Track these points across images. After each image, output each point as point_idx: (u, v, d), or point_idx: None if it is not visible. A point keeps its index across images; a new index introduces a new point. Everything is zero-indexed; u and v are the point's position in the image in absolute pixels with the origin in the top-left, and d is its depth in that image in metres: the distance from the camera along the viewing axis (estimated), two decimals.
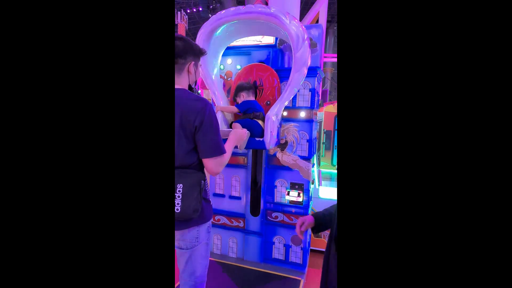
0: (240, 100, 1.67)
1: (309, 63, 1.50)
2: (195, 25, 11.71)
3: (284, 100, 1.56)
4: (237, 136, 1.23)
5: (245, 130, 1.37)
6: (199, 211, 0.97)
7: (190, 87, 1.06)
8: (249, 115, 1.59)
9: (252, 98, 1.67)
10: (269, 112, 1.54)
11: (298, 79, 1.49)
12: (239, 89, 1.68)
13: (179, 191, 0.95)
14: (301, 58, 1.45)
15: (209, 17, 1.60)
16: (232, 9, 1.50)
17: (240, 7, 1.49)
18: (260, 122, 1.59)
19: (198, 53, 1.03)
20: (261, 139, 1.55)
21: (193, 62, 1.02)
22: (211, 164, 0.99)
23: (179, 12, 8.03)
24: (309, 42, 1.50)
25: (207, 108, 0.96)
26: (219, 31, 1.59)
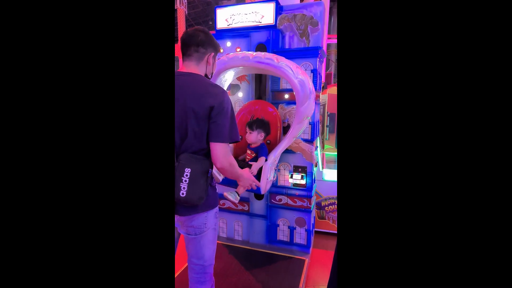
0: (255, 136, 1.58)
1: (311, 114, 1.54)
2: (194, 9, 11.43)
3: (283, 148, 1.59)
4: (248, 179, 1.19)
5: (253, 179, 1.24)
6: (204, 198, 0.98)
7: (206, 77, 1.07)
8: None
9: (262, 138, 1.61)
10: (267, 160, 1.55)
11: (299, 129, 1.54)
12: (259, 125, 1.59)
13: (187, 175, 0.94)
14: (304, 111, 1.49)
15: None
16: (240, 56, 1.50)
17: (249, 55, 1.48)
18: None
19: (217, 46, 1.07)
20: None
21: (212, 54, 1.05)
22: (216, 150, 0.96)
23: None
24: (314, 96, 1.51)
25: (224, 94, 0.98)
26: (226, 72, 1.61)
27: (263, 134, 1.60)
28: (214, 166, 1.01)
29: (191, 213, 1.01)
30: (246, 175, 1.16)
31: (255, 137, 1.58)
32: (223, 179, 1.60)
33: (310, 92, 1.47)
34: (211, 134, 0.97)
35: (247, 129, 1.61)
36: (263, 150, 1.58)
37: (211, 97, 0.95)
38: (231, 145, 1.70)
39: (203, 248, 1.07)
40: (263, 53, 1.50)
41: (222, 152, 0.97)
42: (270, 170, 1.56)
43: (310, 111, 1.51)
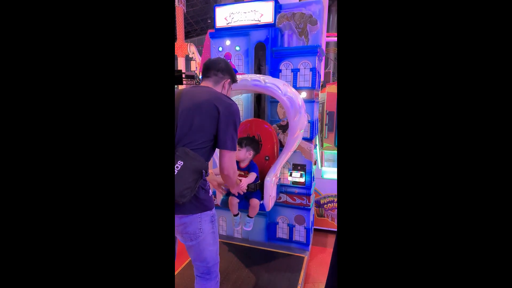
0: (244, 153, 1.57)
1: (304, 127, 1.59)
2: (193, 7, 11.38)
3: (282, 163, 1.63)
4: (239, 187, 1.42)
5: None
6: (186, 198, 0.95)
7: None
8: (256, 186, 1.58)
9: (251, 156, 1.62)
10: (267, 176, 1.57)
11: (294, 142, 1.59)
12: (249, 142, 1.59)
13: (177, 167, 0.93)
14: (297, 125, 1.53)
15: None
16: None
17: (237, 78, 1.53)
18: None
19: (234, 76, 1.19)
20: (261, 202, 1.59)
21: (229, 80, 1.15)
22: (225, 158, 1.03)
23: None
24: (304, 110, 1.55)
25: (235, 107, 1.05)
26: None
27: (252, 152, 1.59)
28: (221, 173, 1.08)
29: (177, 213, 0.99)
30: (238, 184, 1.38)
31: (243, 154, 1.57)
32: (221, 200, 1.64)
33: (299, 107, 1.50)
34: (221, 142, 1.02)
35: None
36: (254, 168, 1.58)
37: (223, 105, 1.01)
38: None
39: (204, 252, 1.06)
40: (249, 75, 1.55)
41: (230, 160, 1.04)
42: (272, 187, 1.58)
43: (303, 124, 1.55)
